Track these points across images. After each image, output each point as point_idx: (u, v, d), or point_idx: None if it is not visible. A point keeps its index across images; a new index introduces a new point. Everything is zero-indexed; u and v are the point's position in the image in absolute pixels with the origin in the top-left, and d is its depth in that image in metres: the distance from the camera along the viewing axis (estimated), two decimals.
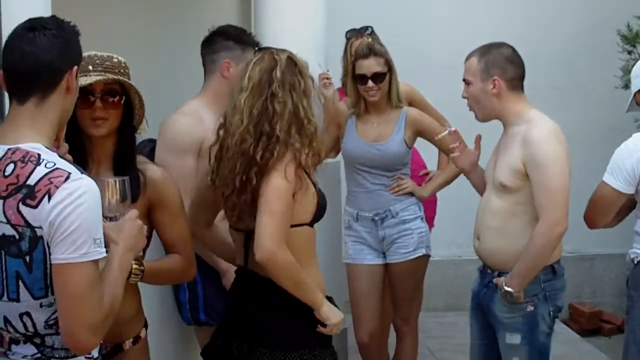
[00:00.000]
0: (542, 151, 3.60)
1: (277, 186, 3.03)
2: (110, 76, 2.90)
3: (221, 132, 3.20)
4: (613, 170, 3.80)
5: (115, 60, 2.97)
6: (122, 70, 2.99)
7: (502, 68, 3.73)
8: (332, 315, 3.15)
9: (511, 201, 3.69)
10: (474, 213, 6.54)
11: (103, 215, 2.39)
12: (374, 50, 4.47)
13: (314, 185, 3.19)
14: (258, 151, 3.06)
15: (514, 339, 3.72)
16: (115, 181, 2.54)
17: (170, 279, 3.29)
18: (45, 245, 2.24)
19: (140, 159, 3.14)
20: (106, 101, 2.93)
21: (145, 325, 3.30)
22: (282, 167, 3.04)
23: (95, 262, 2.25)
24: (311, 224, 3.22)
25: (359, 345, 4.78)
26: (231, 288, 3.41)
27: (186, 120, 3.85)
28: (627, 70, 6.34)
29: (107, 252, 2.33)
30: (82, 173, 2.27)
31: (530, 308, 3.70)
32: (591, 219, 3.91)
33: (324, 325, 3.16)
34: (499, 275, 3.72)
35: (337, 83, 4.91)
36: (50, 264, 2.24)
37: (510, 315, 3.70)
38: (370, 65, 4.46)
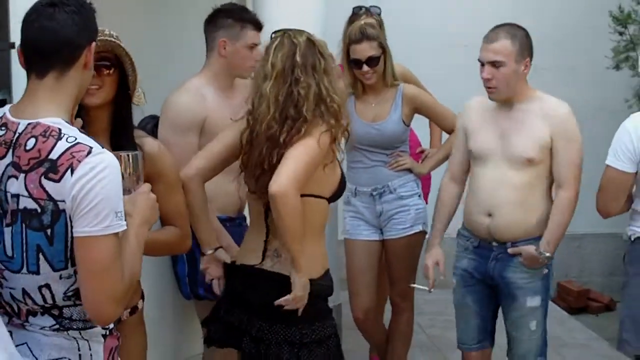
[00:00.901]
0: (572, 126, 3.89)
1: (308, 143, 3.16)
2: (100, 39, 2.83)
3: (250, 119, 3.31)
4: (616, 152, 3.87)
5: (107, 32, 2.98)
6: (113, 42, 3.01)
7: (530, 50, 3.87)
8: (300, 288, 3.22)
9: (532, 174, 3.86)
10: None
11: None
12: (367, 34, 4.48)
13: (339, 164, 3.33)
14: (283, 134, 3.19)
15: (535, 301, 3.93)
16: (128, 155, 2.56)
17: (167, 250, 3.34)
18: (67, 219, 2.26)
19: (138, 133, 3.18)
20: (99, 70, 2.96)
21: (142, 297, 3.36)
22: (317, 134, 3.17)
23: (117, 235, 2.28)
24: (329, 200, 3.35)
25: (355, 320, 4.82)
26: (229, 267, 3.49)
27: (188, 98, 3.89)
28: (618, 51, 6.42)
29: None
30: (102, 147, 2.30)
31: (545, 271, 3.94)
32: (604, 207, 3.98)
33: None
34: (512, 245, 3.90)
35: (337, 59, 4.91)
36: (72, 237, 2.28)
37: (531, 280, 3.91)
38: (364, 50, 4.46)
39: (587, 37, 6.85)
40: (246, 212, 3.92)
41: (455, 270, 4.12)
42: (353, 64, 4.48)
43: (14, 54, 3.50)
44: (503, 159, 3.89)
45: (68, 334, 2.38)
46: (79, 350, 2.39)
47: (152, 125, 4.00)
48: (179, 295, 4.10)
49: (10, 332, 2.28)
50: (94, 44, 2.41)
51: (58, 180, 2.25)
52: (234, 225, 3.86)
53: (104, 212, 2.24)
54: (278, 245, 3.30)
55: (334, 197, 3.39)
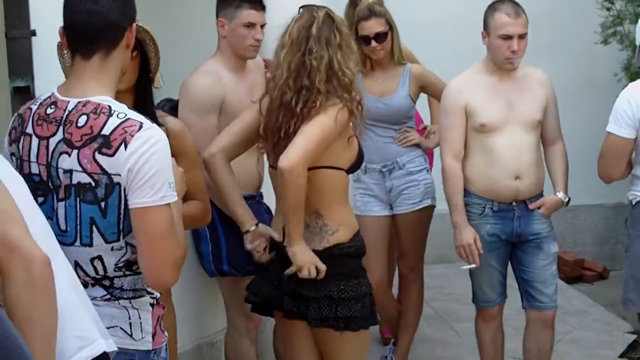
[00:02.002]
0: (554, 90, 4.33)
1: (322, 120, 3.29)
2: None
3: (270, 86, 3.44)
4: (615, 119, 4.06)
5: None
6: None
7: None
8: (299, 256, 3.35)
9: (537, 134, 4.24)
10: None
11: None
12: (374, 11, 4.62)
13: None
14: (299, 103, 3.30)
15: (555, 247, 4.34)
16: None
17: (192, 223, 3.40)
18: (121, 191, 2.35)
19: (159, 113, 3.29)
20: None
21: None
22: (334, 111, 3.29)
23: (170, 205, 2.37)
24: (348, 172, 3.49)
25: None
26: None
27: (206, 79, 3.97)
28: (605, 27, 6.53)
29: None
30: (152, 122, 2.41)
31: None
32: (606, 173, 4.20)
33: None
34: (530, 201, 4.24)
35: None
36: (126, 209, 2.37)
37: (550, 228, 4.32)
38: (371, 26, 4.60)
39: (575, 12, 6.95)
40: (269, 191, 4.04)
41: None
42: (362, 40, 4.60)
43: (35, 41, 3.58)
44: (517, 124, 4.18)
45: (119, 303, 2.47)
46: (129, 318, 2.48)
47: (168, 107, 4.08)
48: (202, 273, 4.19)
49: None
50: (134, 24, 2.51)
51: (112, 155, 2.34)
52: (254, 202, 3.97)
53: (159, 183, 2.34)
54: (304, 216, 3.40)
55: (352, 169, 3.53)
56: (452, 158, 4.23)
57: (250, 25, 4.01)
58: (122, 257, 2.45)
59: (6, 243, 2.01)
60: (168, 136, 3.12)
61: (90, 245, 2.43)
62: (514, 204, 4.23)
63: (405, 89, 4.73)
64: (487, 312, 4.42)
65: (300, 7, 3.51)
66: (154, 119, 3.12)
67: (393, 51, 4.71)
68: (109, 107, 2.40)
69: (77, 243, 2.43)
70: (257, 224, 3.67)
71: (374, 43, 4.59)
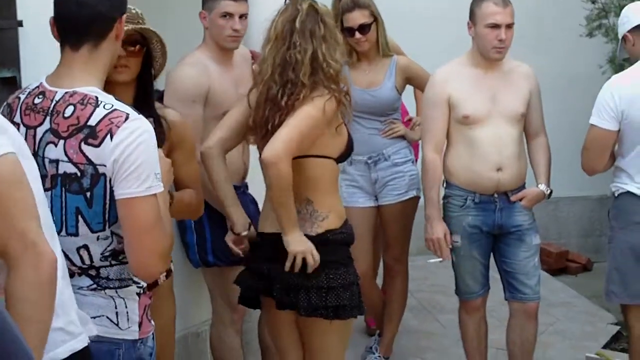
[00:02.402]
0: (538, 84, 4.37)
1: (308, 111, 3.32)
2: (132, 27, 2.98)
3: (256, 81, 3.46)
4: (598, 111, 4.09)
5: (134, 11, 3.07)
6: (140, 21, 3.10)
7: None
8: (293, 244, 3.35)
9: (520, 127, 4.27)
10: None
11: None
12: (358, 3, 4.63)
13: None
14: (284, 97, 3.33)
15: (537, 239, 4.39)
16: None
17: (188, 212, 3.42)
18: (107, 182, 2.37)
19: (158, 105, 3.31)
20: (127, 50, 3.03)
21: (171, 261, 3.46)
22: (321, 102, 3.31)
23: (156, 195, 2.39)
24: (337, 161, 3.50)
25: None
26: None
27: (192, 70, 3.99)
28: (590, 20, 6.55)
29: None
30: (138, 113, 2.41)
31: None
32: (589, 165, 4.24)
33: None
34: (512, 193, 4.27)
35: None
36: (111, 200, 2.38)
37: (531, 220, 4.34)
38: (355, 18, 4.62)
39: (560, 5, 6.98)
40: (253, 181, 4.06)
41: (456, 229, 4.29)
42: (346, 32, 4.62)
43: (22, 32, 3.57)
44: (500, 117, 4.22)
45: (105, 293, 2.48)
46: (115, 308, 2.49)
47: (156, 98, 4.09)
48: (186, 263, 4.20)
49: None
50: (124, 15, 2.52)
51: (98, 145, 2.35)
52: (240, 193, 3.95)
53: (145, 174, 2.35)
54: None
55: (341, 158, 3.55)
56: (432, 150, 4.26)
57: (228, 15, 4.03)
58: (108, 246, 2.46)
59: (23, 238, 2.01)
60: (168, 127, 3.18)
61: (76, 234, 2.44)
62: (495, 195, 4.27)
63: (391, 81, 4.75)
64: (470, 303, 4.45)
65: (286, 1, 3.51)
66: (153, 112, 3.17)
67: (378, 43, 4.72)
68: (96, 97, 2.41)
69: (63, 232, 2.44)
70: (249, 228, 3.70)
71: (357, 34, 4.61)
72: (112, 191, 2.38)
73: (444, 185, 4.40)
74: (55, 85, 2.48)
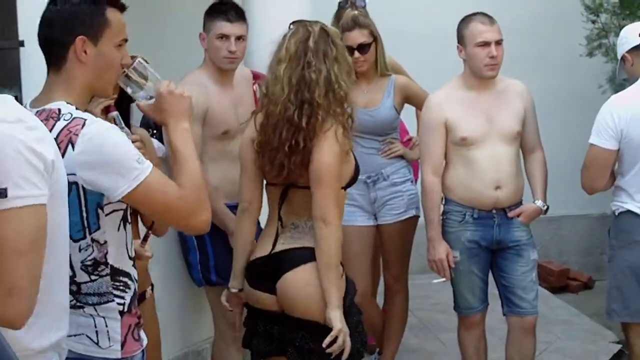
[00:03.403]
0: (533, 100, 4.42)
1: (326, 160, 3.33)
2: None
3: (265, 101, 3.45)
4: (598, 131, 4.12)
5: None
6: None
7: None
8: (340, 322, 3.34)
9: (517, 145, 4.31)
10: None
11: (140, 99, 2.59)
12: (358, 22, 4.65)
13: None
14: (303, 118, 3.33)
15: (535, 254, 4.42)
16: (135, 66, 2.59)
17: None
18: (80, 190, 2.38)
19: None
20: None
21: (152, 286, 3.55)
22: (332, 133, 3.34)
23: (149, 171, 2.38)
24: (345, 188, 3.54)
25: None
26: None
27: (191, 89, 3.99)
28: (590, 39, 6.59)
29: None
30: (96, 118, 2.42)
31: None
32: (589, 184, 4.27)
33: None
34: (510, 209, 4.31)
35: None
36: (87, 206, 2.40)
37: (529, 236, 4.40)
38: (355, 37, 4.64)
39: (559, 25, 7.01)
40: None
41: (455, 244, 4.33)
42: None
43: (24, 52, 3.60)
44: (497, 137, 4.26)
45: (84, 311, 2.46)
46: (95, 327, 2.46)
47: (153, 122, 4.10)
48: (189, 282, 4.23)
49: None
50: (81, 38, 2.45)
51: (62, 157, 2.31)
52: None
53: (125, 168, 2.35)
54: (294, 219, 3.45)
55: (350, 184, 3.58)
56: (431, 173, 4.30)
57: (224, 37, 4.08)
58: (89, 256, 2.45)
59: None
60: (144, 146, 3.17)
61: None
62: (494, 211, 4.31)
63: (390, 101, 4.77)
64: (469, 319, 4.47)
65: (290, 24, 3.54)
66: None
67: (377, 63, 4.74)
68: (58, 110, 2.42)
69: None
70: (240, 290, 3.66)
71: (356, 54, 4.62)
72: (86, 198, 2.39)
73: (443, 201, 4.42)
74: (34, 106, 2.49)
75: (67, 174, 2.31)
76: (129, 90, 2.61)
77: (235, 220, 3.72)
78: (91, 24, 2.48)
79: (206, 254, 4.08)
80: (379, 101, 4.76)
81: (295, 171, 3.39)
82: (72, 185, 2.37)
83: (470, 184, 4.27)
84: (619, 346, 5.64)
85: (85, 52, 2.45)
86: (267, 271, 3.43)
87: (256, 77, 4.46)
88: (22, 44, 3.63)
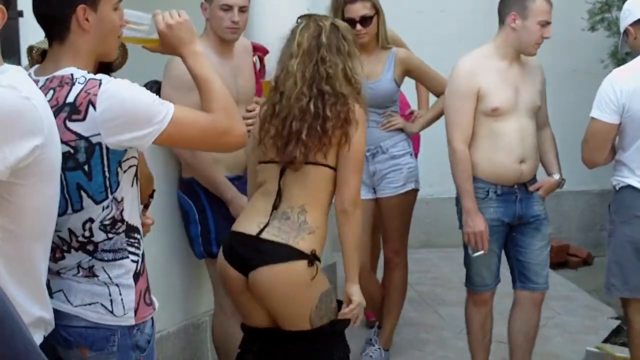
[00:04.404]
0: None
1: (362, 145, 3.44)
2: None
3: (273, 95, 3.49)
4: (599, 105, 4.09)
5: None
6: None
7: None
8: (359, 294, 3.50)
9: (535, 119, 4.30)
10: (443, 155, 6.71)
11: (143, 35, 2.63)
12: None
13: None
14: (326, 107, 3.38)
15: (550, 228, 4.42)
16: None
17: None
18: (103, 150, 2.39)
19: None
20: None
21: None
22: (363, 118, 3.42)
23: (175, 112, 2.44)
24: None
25: None
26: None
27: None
28: (593, 13, 6.56)
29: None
30: (110, 77, 2.44)
31: None
32: (589, 158, 4.24)
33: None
34: (530, 183, 4.31)
35: None
36: (109, 167, 2.42)
37: (544, 210, 4.41)
38: (357, 9, 4.61)
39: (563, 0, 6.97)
40: None
41: None
42: (347, 23, 4.61)
43: (22, 22, 3.59)
44: (523, 109, 4.24)
45: (98, 279, 2.48)
46: (110, 295, 2.49)
47: (155, 89, 4.07)
48: (189, 255, 4.24)
49: (48, 281, 2.36)
50: (82, 7, 2.46)
51: (83, 119, 2.37)
52: (242, 183, 4.00)
53: (150, 115, 2.39)
54: (286, 208, 3.44)
55: None
56: (462, 142, 4.18)
57: (227, 8, 4.06)
58: (108, 214, 2.47)
59: None
60: None
61: (81, 209, 2.45)
62: (515, 187, 4.27)
63: (390, 73, 4.75)
64: (481, 296, 4.41)
65: (298, 18, 3.58)
66: None
67: (378, 35, 4.72)
68: (71, 75, 2.44)
69: (69, 211, 2.45)
70: None
71: (359, 26, 4.60)
72: (109, 158, 2.41)
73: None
74: (40, 75, 2.50)
75: (90, 136, 2.37)
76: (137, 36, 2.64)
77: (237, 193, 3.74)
78: None
79: (207, 227, 4.08)
80: (379, 73, 4.74)
81: (308, 153, 3.41)
82: (96, 146, 2.39)
83: (495, 158, 4.20)
84: (618, 322, 5.66)
85: (87, 19, 2.47)
86: (244, 253, 3.43)
87: (256, 49, 4.44)
88: (21, 14, 3.63)
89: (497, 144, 4.20)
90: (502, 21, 4.23)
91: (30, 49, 2.81)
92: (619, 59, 6.22)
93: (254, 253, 3.40)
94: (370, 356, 5.05)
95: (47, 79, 2.46)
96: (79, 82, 2.41)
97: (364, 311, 5.43)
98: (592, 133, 4.16)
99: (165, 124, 2.41)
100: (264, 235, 3.40)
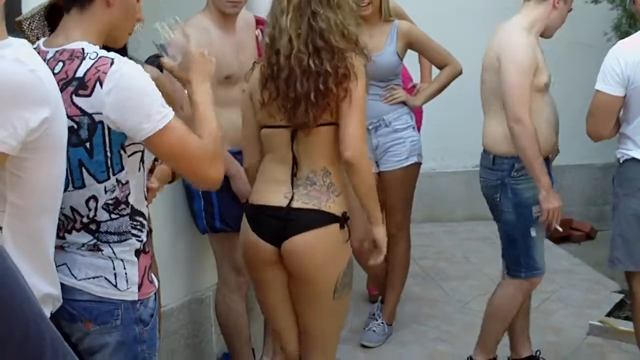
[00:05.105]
0: None
1: (363, 97, 3.32)
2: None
3: (269, 53, 3.36)
4: (604, 77, 4.06)
5: None
6: None
7: None
8: (383, 236, 3.49)
9: None
10: (447, 129, 6.77)
11: (167, 55, 2.63)
12: None
13: None
14: (324, 63, 3.26)
15: None
16: (164, 25, 2.65)
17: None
18: (105, 129, 2.38)
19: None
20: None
21: None
22: (362, 67, 3.31)
23: (173, 118, 2.40)
24: None
25: (353, 250, 4.98)
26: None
27: (193, 32, 3.91)
28: None
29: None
30: (123, 57, 2.43)
31: None
32: (595, 131, 4.19)
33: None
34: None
35: None
36: (112, 147, 2.41)
37: None
38: None
39: None
40: None
41: (534, 201, 4.13)
42: None
43: None
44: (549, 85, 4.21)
45: (103, 253, 2.48)
46: (114, 269, 2.49)
47: (157, 63, 4.05)
48: (192, 230, 4.23)
49: None
50: None
51: (89, 95, 2.36)
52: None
53: (153, 108, 2.37)
54: (309, 173, 3.37)
55: None
56: (528, 115, 4.01)
57: None
58: (112, 196, 2.47)
59: None
60: None
61: (83, 186, 2.45)
62: (550, 157, 4.24)
63: (392, 46, 4.73)
64: (537, 280, 4.31)
65: None
66: None
67: (381, 8, 4.70)
68: (82, 49, 2.43)
69: (71, 187, 2.44)
70: None
71: None
72: (111, 139, 2.40)
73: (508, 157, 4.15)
74: (49, 46, 2.50)
75: (94, 113, 2.37)
76: (160, 48, 2.66)
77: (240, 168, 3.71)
78: None
79: (210, 202, 4.07)
80: (382, 46, 4.72)
81: (318, 119, 3.32)
82: (98, 125, 2.38)
83: (544, 131, 4.10)
84: (621, 295, 5.67)
85: None
86: (277, 225, 3.38)
87: (259, 22, 4.41)
88: None
89: (544, 118, 4.13)
90: None
91: (19, 24, 2.80)
92: (622, 31, 6.19)
93: (287, 223, 3.35)
94: (374, 331, 5.06)
95: (56, 51, 2.46)
96: (90, 57, 2.40)
97: (366, 285, 5.55)
98: (596, 106, 4.14)
99: (161, 125, 2.36)
100: (294, 205, 3.35)
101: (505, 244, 4.29)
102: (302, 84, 3.28)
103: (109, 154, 2.42)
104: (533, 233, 4.15)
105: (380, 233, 3.48)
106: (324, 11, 3.28)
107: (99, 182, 2.44)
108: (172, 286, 4.18)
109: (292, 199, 3.35)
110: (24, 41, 2.22)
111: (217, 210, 4.08)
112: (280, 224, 3.36)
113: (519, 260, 4.22)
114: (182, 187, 4.21)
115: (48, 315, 2.26)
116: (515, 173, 4.13)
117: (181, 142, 2.42)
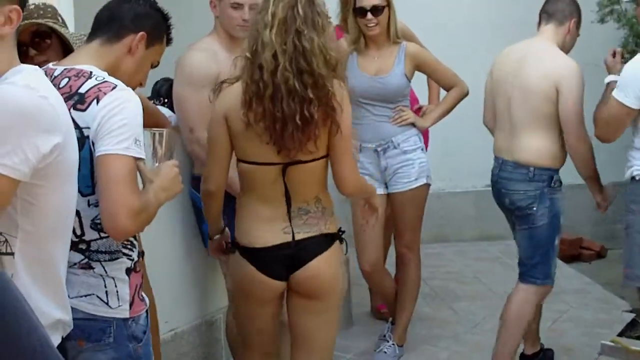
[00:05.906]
0: None
1: (349, 126, 3.32)
2: (26, 22, 2.94)
3: (251, 68, 3.22)
4: (623, 87, 4.05)
5: (33, 6, 3.08)
6: (48, 15, 3.10)
7: None
8: (378, 202, 3.81)
9: None
10: (456, 148, 6.77)
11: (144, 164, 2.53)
12: None
13: None
14: (308, 88, 3.16)
15: None
16: (156, 133, 2.63)
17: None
18: (91, 144, 2.41)
19: None
20: (39, 45, 3.06)
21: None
22: (348, 101, 3.30)
23: (134, 160, 2.39)
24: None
25: (363, 273, 5.00)
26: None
27: (201, 55, 4.02)
28: (602, 5, 6.54)
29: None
30: (127, 87, 2.48)
31: None
32: (604, 135, 4.22)
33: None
34: None
35: (334, 20, 5.01)
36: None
37: None
38: None
39: None
40: None
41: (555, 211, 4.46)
42: (358, 12, 4.62)
43: None
44: None
45: (94, 271, 2.52)
46: (105, 287, 2.53)
47: (166, 87, 4.08)
48: (201, 252, 4.23)
49: None
50: (142, 34, 2.60)
51: (84, 110, 2.41)
52: None
53: (125, 135, 2.37)
54: (301, 204, 3.34)
55: None
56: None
57: (238, 6, 4.05)
58: (99, 214, 2.45)
59: None
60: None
61: None
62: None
63: (400, 68, 4.73)
64: (550, 288, 4.56)
65: None
66: None
67: (389, 29, 4.71)
68: (90, 72, 2.51)
69: None
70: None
71: (369, 15, 4.60)
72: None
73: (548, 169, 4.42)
74: (57, 65, 2.58)
75: (84, 127, 2.41)
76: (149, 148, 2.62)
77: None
78: (156, 30, 2.69)
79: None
80: (390, 68, 4.73)
81: (303, 146, 3.23)
82: (86, 139, 2.42)
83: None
84: (633, 315, 5.63)
85: (137, 46, 2.60)
86: (284, 261, 3.36)
87: None
88: None
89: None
90: (558, 20, 4.40)
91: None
92: (629, 50, 6.19)
93: (296, 254, 3.34)
94: (385, 352, 5.04)
95: (65, 69, 2.53)
96: (95, 79, 2.47)
97: (374, 302, 5.57)
98: (614, 115, 4.10)
99: (120, 152, 2.35)
100: (298, 237, 3.33)
101: (529, 252, 4.49)
102: (288, 104, 3.17)
103: (93, 168, 2.43)
104: (556, 241, 4.41)
105: (376, 199, 3.73)
106: (309, 32, 3.18)
107: (83, 195, 2.45)
108: (182, 309, 4.19)
109: (293, 232, 3.34)
110: (36, 67, 2.25)
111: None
112: (289, 258, 3.36)
113: (537, 266, 4.45)
114: (192, 209, 4.22)
115: (59, 339, 2.27)
116: (553, 184, 4.42)
117: (118, 175, 2.35)
